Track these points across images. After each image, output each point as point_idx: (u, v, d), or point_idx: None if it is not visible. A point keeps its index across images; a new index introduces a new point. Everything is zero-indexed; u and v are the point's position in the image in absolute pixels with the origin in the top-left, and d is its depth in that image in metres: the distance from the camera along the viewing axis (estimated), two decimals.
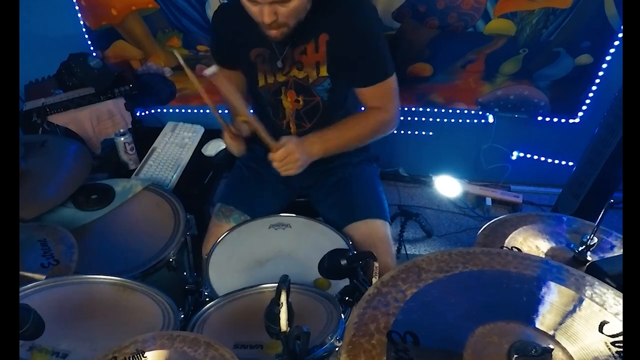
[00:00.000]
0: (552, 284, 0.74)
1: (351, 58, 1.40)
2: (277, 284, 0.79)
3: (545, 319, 0.69)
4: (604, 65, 2.02)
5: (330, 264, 1.07)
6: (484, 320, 0.70)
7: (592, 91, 2.11)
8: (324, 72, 1.44)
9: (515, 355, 0.61)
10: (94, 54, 2.19)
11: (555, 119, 2.24)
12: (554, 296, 0.73)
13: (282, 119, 1.55)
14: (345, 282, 1.09)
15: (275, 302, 0.75)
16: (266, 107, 1.56)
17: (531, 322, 0.69)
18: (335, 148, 1.46)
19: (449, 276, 0.77)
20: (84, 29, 2.18)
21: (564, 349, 0.65)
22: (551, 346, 0.61)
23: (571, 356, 0.65)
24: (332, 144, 1.44)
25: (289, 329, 0.73)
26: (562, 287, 0.74)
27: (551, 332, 0.68)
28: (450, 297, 0.74)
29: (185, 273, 1.49)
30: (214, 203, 1.69)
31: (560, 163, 2.40)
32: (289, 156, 1.34)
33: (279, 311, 0.73)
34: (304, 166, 1.38)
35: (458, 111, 2.30)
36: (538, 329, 0.68)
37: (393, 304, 0.74)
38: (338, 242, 1.37)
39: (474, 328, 0.69)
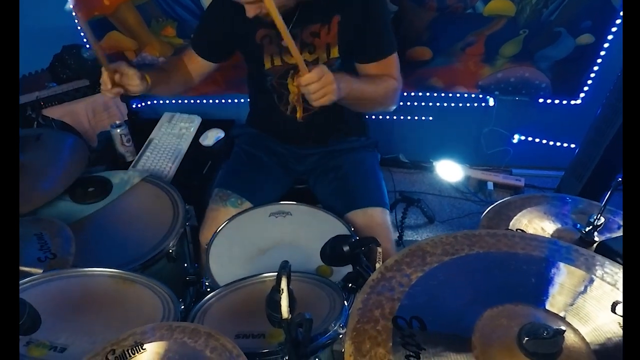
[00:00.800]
0: (562, 265, 0.72)
1: (361, 35, 1.38)
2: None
3: (555, 301, 0.67)
4: (606, 45, 1.98)
5: (332, 251, 1.05)
6: (492, 303, 0.68)
7: (594, 71, 2.07)
8: (335, 53, 1.42)
9: (526, 338, 0.59)
10: (87, 46, 2.15)
11: (557, 101, 2.21)
12: (564, 277, 0.71)
13: (286, 104, 1.53)
14: (348, 269, 1.07)
15: (276, 289, 0.73)
16: (270, 92, 1.53)
17: (541, 304, 0.67)
18: (357, 94, 1.32)
19: (454, 259, 0.75)
20: (76, 20, 2.14)
21: (575, 331, 0.63)
22: (563, 328, 0.59)
23: (583, 337, 0.63)
24: (356, 89, 1.31)
25: (290, 316, 0.71)
26: (572, 268, 0.71)
27: (562, 314, 0.66)
28: (457, 281, 0.72)
29: (185, 264, 1.47)
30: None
31: (562, 145, 2.37)
32: (324, 76, 1.14)
33: (280, 298, 0.71)
34: (336, 94, 1.19)
35: (458, 95, 2.27)
36: (548, 311, 0.66)
37: (398, 289, 0.72)
38: (340, 229, 1.35)
39: (482, 311, 0.67)
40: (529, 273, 0.71)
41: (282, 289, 0.70)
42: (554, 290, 0.69)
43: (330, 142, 1.60)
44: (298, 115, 1.52)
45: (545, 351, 0.58)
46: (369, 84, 1.39)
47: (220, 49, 1.53)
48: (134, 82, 1.30)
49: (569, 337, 0.62)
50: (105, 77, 1.27)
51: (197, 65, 1.56)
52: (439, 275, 0.73)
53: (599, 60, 2.03)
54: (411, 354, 0.63)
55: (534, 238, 0.78)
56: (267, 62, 1.46)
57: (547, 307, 0.67)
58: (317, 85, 1.14)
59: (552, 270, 0.71)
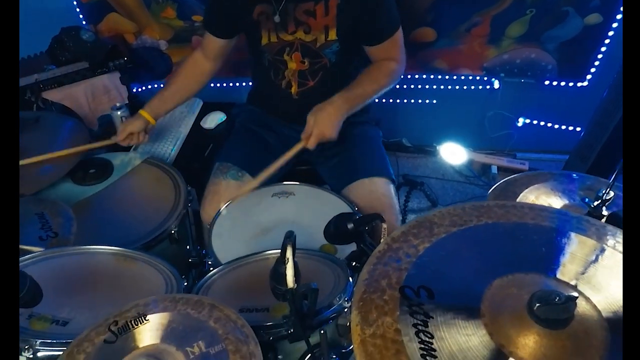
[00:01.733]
0: (572, 234, 0.70)
1: (363, 19, 1.38)
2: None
3: (566, 269, 0.66)
4: (614, 25, 1.95)
5: (336, 229, 1.03)
6: (501, 272, 0.66)
7: (601, 52, 2.05)
8: (333, 35, 1.40)
9: (537, 304, 0.57)
10: (87, 27, 2.12)
11: (563, 83, 2.18)
12: (575, 246, 0.69)
13: (282, 78, 1.52)
14: (352, 247, 1.06)
15: (281, 260, 0.71)
16: (267, 68, 1.53)
17: (551, 273, 0.66)
18: (359, 103, 1.44)
19: (462, 230, 0.73)
20: (75, 2, 2.12)
21: (587, 299, 0.62)
22: (575, 294, 0.58)
23: (595, 305, 0.61)
24: (356, 101, 1.42)
25: (295, 285, 0.70)
26: (583, 237, 0.70)
27: (573, 282, 0.64)
28: (465, 251, 0.71)
29: (188, 247, 1.45)
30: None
31: (567, 129, 2.34)
32: (320, 136, 1.35)
33: (285, 268, 0.69)
34: (337, 121, 1.36)
35: (462, 77, 2.24)
36: (559, 279, 0.65)
37: (405, 260, 0.70)
38: (343, 209, 1.34)
39: (491, 281, 0.65)
40: (539, 243, 0.70)
41: (288, 258, 0.69)
42: (564, 259, 0.67)
43: None
44: (293, 90, 1.51)
45: (557, 317, 0.57)
46: (366, 84, 1.45)
47: (230, 24, 1.52)
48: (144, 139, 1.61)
49: (581, 305, 0.60)
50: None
51: (214, 48, 1.56)
52: (447, 245, 0.71)
53: (607, 41, 2.00)
54: (419, 322, 0.62)
55: (544, 209, 0.76)
56: (264, 38, 1.45)
57: (558, 275, 0.65)
58: (316, 139, 1.35)
59: (563, 240, 0.70)
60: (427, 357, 0.58)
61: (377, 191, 1.43)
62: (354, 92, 1.42)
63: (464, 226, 0.74)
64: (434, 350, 0.59)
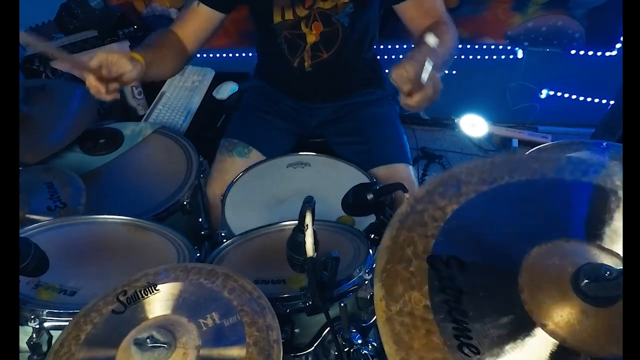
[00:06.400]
0: (621, 193, 0.63)
1: None
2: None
3: (615, 235, 0.59)
4: None
5: (355, 200, 0.98)
6: (540, 239, 0.59)
7: None
8: None
9: (585, 280, 0.51)
10: None
11: (591, 52, 2.08)
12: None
13: (295, 54, 1.42)
14: (370, 219, 1.01)
15: (299, 227, 0.66)
16: (279, 45, 1.42)
17: (597, 240, 0.59)
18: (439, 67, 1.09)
19: (493, 188, 0.66)
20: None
21: None
22: None
23: None
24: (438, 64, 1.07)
25: (315, 254, 0.65)
26: None
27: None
28: (498, 214, 0.64)
29: (200, 219, 1.42)
30: None
31: (593, 101, 2.24)
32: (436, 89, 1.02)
33: (304, 236, 0.64)
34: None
35: (484, 47, 2.15)
36: (605, 248, 0.58)
37: (431, 224, 0.64)
38: (361, 180, 1.28)
39: (529, 249, 0.59)
40: (581, 203, 0.63)
41: (307, 225, 0.64)
42: (612, 223, 0.60)
43: (341, 98, 1.52)
44: (306, 64, 1.43)
45: (607, 294, 0.50)
46: (441, 46, 1.09)
47: None
48: (126, 66, 1.07)
49: None
50: (92, 81, 1.05)
51: (200, 22, 1.34)
52: (477, 207, 0.64)
53: None
54: (450, 298, 0.56)
55: (584, 161, 0.68)
56: (276, 16, 1.34)
57: (605, 243, 0.59)
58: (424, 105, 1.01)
59: (611, 198, 0.61)
60: (462, 339, 0.53)
61: (396, 177, 1.37)
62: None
63: (494, 184, 0.67)
64: (469, 330, 0.53)
